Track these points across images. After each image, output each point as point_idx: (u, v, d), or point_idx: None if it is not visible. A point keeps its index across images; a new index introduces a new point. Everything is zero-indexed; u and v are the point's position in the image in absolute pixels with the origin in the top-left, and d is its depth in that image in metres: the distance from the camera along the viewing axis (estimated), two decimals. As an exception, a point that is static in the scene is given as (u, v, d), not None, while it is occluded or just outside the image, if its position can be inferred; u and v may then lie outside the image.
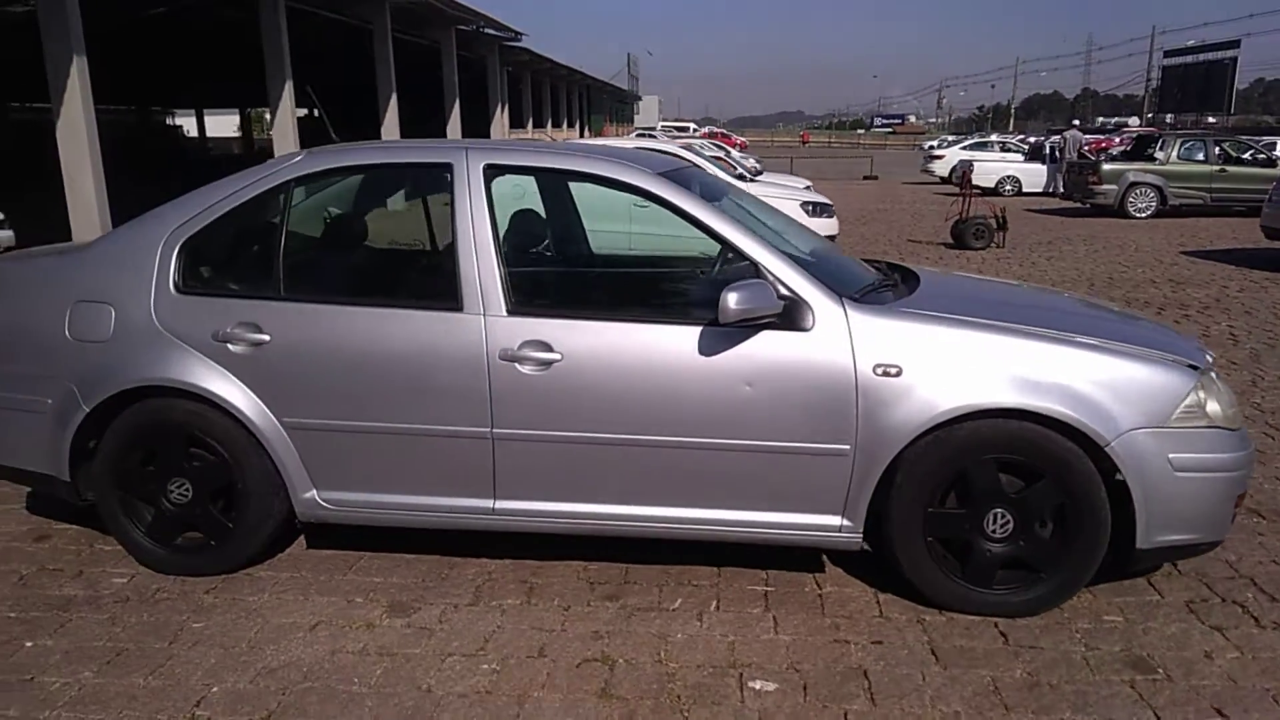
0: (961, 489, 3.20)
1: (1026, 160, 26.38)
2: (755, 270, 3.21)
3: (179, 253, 3.47)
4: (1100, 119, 60.61)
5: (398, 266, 4.18)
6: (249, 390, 3.38)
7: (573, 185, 4.38)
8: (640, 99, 77.93)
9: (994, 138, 35.66)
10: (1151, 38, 67.19)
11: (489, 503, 3.40)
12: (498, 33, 31.06)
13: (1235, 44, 53.74)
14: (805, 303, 3.17)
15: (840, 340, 3.14)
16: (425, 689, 2.85)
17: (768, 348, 3.16)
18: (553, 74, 45.83)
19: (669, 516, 3.33)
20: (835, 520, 3.25)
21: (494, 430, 3.30)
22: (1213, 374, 3.27)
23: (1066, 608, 3.29)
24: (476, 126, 32.14)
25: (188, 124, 50.95)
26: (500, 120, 33.82)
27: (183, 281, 3.46)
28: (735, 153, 20.01)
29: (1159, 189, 18.40)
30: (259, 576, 3.59)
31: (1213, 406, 3.15)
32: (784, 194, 12.09)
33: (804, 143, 79.35)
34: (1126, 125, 56.72)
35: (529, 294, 3.38)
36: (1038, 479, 3.14)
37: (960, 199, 15.07)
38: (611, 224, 4.79)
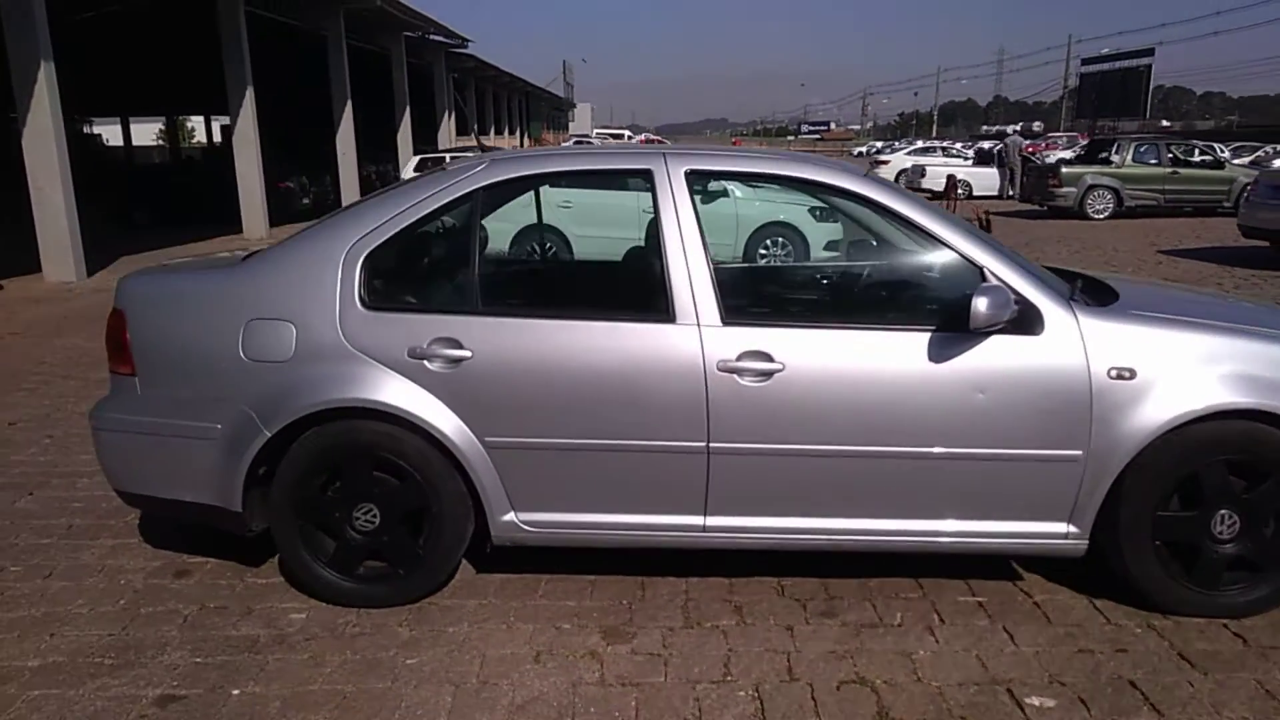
0: (1190, 491, 3.17)
1: (975, 164, 27.03)
2: (981, 275, 3.15)
3: (362, 267, 3.26)
4: (1009, 126, 62.60)
5: (598, 276, 4.01)
6: (448, 409, 3.20)
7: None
8: (575, 106, 77.80)
9: (936, 143, 36.50)
10: (1069, 46, 69.54)
11: (699, 519, 3.27)
12: (445, 39, 30.66)
13: (1150, 52, 55.95)
14: (1035, 307, 3.11)
15: (1073, 344, 3.10)
16: (694, 720, 2.72)
17: (1000, 354, 3.10)
18: (496, 81, 45.40)
19: (888, 529, 3.24)
20: (1061, 527, 3.20)
21: (710, 444, 3.17)
22: None
23: (1283, 607, 3.30)
24: (424, 134, 31.60)
25: (110, 132, 49.00)
26: (447, 127, 33.34)
27: (369, 297, 3.25)
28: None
29: (1115, 191, 19.02)
30: (445, 605, 3.39)
31: None
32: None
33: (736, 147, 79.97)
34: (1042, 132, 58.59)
35: (741, 302, 3.26)
36: (1264, 478, 3.14)
37: (945, 205, 15.33)
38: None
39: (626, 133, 66.69)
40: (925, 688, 2.86)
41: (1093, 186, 19.01)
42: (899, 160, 29.89)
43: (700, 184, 3.31)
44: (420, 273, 3.48)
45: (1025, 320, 3.10)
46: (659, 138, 70.92)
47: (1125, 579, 3.25)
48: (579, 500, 3.28)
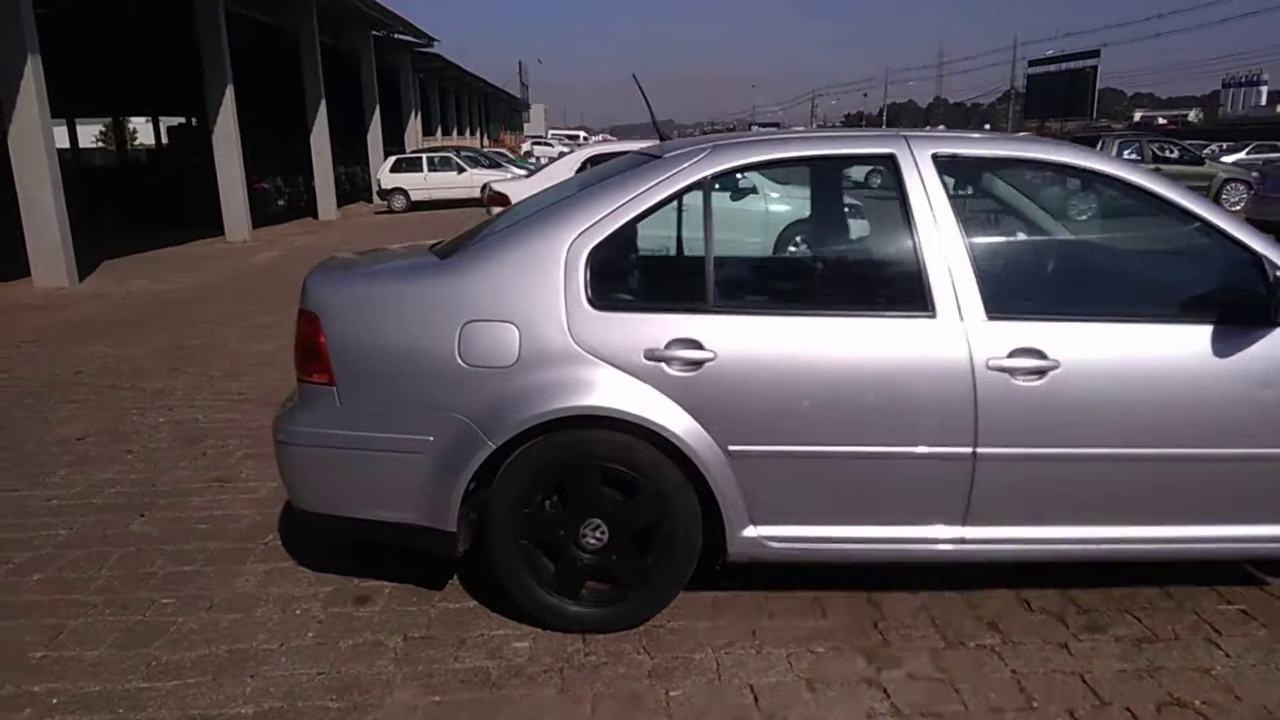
0: None
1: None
2: (1260, 265, 2.96)
3: (586, 263, 2.97)
4: (942, 126, 63.80)
5: (842, 269, 3.74)
6: (690, 416, 2.91)
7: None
8: (529, 107, 77.15)
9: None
10: (1015, 47, 70.82)
11: (957, 530, 3.03)
12: (411, 38, 30.09)
13: (1095, 53, 57.14)
14: None
15: (1364, 335, 2.92)
16: (1024, 752, 2.48)
17: (1282, 347, 2.92)
18: (459, 81, 44.75)
19: (1164, 536, 3.03)
20: None
21: (977, 449, 2.93)
22: None
23: None
24: (391, 134, 30.96)
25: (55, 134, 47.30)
26: (414, 127, 32.73)
27: (595, 296, 2.95)
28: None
29: (1102, 188, 19.21)
30: (672, 629, 3.11)
31: None
32: None
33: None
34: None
35: (1005, 295, 3.02)
36: None
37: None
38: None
39: (582, 134, 66.33)
40: (1254, 708, 2.65)
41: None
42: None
43: (950, 170, 3.07)
44: (649, 269, 3.19)
45: None
46: (614, 138, 70.64)
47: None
48: (825, 512, 3.02)
